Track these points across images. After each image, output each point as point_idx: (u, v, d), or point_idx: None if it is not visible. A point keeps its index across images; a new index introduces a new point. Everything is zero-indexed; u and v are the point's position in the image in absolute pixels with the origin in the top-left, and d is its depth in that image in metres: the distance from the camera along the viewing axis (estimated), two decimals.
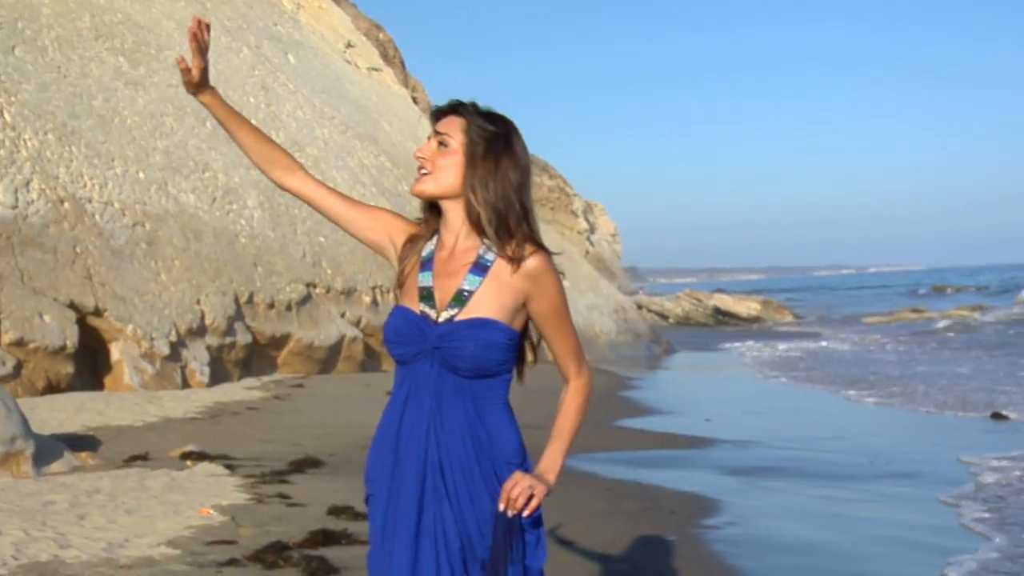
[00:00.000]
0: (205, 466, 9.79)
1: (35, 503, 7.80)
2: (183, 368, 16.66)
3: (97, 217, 16.87)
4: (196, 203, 19.16)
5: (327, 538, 6.99)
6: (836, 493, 9.99)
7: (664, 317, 49.27)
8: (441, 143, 2.98)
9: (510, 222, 2.95)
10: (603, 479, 10.40)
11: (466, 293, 2.96)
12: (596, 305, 33.81)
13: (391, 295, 22.55)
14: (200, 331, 17.22)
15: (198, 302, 17.47)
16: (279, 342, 18.97)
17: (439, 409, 2.95)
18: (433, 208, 3.07)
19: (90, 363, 15.97)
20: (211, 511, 7.71)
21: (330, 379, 18.94)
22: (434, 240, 3.07)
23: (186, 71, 3.07)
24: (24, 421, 9.68)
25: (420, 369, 2.98)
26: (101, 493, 8.33)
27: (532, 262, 2.97)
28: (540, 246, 3.00)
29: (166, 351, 16.33)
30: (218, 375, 17.37)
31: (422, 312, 2.99)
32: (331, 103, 28.02)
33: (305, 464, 10.10)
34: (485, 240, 2.98)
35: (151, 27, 22.81)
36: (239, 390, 16.44)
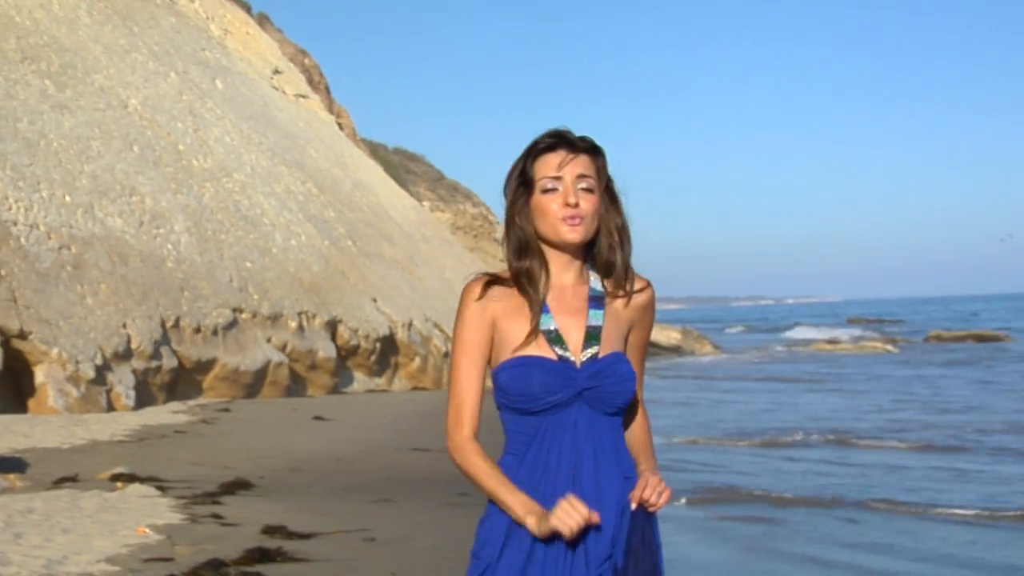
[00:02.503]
0: (136, 487, 9.88)
1: None
2: (108, 392, 16.64)
3: (23, 240, 16.83)
4: (123, 227, 19.16)
5: (263, 555, 7.17)
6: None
7: None
8: (587, 189, 2.87)
9: (630, 260, 2.95)
10: None
11: (595, 329, 2.90)
12: None
13: (316, 321, 22.66)
14: (126, 355, 17.21)
15: (124, 326, 17.47)
16: (205, 366, 19.00)
17: (596, 451, 2.85)
18: (529, 251, 2.92)
19: (14, 386, 15.91)
20: (147, 530, 7.84)
21: (256, 403, 19.01)
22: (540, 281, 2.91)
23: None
24: None
25: (564, 416, 2.84)
26: (35, 513, 8.41)
27: (646, 295, 2.99)
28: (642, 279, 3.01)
29: (91, 374, 16.32)
30: (144, 399, 17.37)
31: (560, 356, 2.85)
32: (259, 129, 28.09)
33: (236, 486, 10.23)
34: (592, 272, 2.95)
35: (78, 50, 22.77)
36: (165, 414, 16.46)
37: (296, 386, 21.40)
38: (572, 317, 2.87)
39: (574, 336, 2.86)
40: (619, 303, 2.93)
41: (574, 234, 2.83)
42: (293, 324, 21.83)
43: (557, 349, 2.83)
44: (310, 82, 40.58)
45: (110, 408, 16.46)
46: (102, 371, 16.61)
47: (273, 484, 10.66)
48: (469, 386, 2.88)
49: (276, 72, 34.77)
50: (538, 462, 2.82)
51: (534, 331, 2.84)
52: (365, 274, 26.90)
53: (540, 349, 2.83)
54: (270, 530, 8.04)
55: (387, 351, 25.18)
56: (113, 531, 7.82)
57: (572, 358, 2.83)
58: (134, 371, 17.31)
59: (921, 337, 57.82)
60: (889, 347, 48.73)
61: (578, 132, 2.97)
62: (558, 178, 2.84)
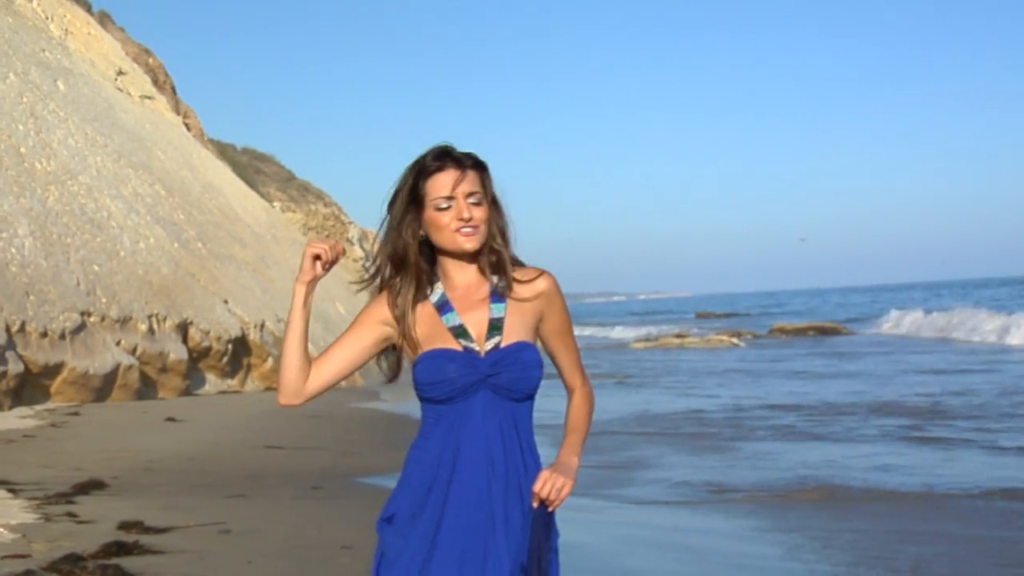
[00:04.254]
0: None
1: None
2: None
3: None
4: None
5: (120, 548, 7.35)
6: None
7: None
8: (476, 203, 3.18)
9: (512, 255, 3.25)
10: (385, 491, 10.99)
11: (497, 320, 3.17)
12: None
13: (167, 323, 22.52)
14: None
15: None
16: (52, 371, 18.77)
17: (500, 435, 3.13)
18: (405, 264, 3.23)
19: None
20: (1, 529, 7.94)
21: (106, 407, 18.85)
22: (437, 286, 3.24)
23: (312, 269, 3.26)
24: None
25: (472, 402, 3.13)
26: None
27: (544, 283, 3.25)
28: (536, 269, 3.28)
29: None
30: None
31: (465, 348, 3.14)
32: (103, 131, 27.69)
33: (89, 486, 10.30)
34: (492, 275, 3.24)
35: None
36: (12, 419, 16.26)
37: (147, 389, 21.25)
38: (475, 312, 3.16)
39: (477, 329, 3.15)
40: (518, 295, 3.20)
41: (471, 243, 3.15)
42: (143, 327, 21.67)
43: (463, 341, 3.13)
44: (155, 82, 40.03)
45: None
46: None
47: (127, 484, 10.76)
48: (335, 347, 3.30)
49: (120, 73, 34.23)
50: (447, 445, 3.12)
51: (414, 335, 3.18)
52: (216, 276, 26.78)
53: (447, 343, 3.13)
54: (126, 525, 8.21)
55: (239, 352, 25.13)
56: None
57: (477, 348, 3.13)
58: None
59: (765, 330, 59.68)
60: (735, 340, 50.27)
61: (443, 135, 3.41)
62: (451, 197, 3.14)
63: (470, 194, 3.17)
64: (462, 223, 3.15)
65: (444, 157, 3.19)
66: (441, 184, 3.16)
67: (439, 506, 3.10)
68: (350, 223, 63.22)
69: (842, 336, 54.03)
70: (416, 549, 3.11)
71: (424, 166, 3.19)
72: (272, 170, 60.38)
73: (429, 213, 3.18)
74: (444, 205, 3.16)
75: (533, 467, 3.16)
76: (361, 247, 63.65)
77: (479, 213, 3.18)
